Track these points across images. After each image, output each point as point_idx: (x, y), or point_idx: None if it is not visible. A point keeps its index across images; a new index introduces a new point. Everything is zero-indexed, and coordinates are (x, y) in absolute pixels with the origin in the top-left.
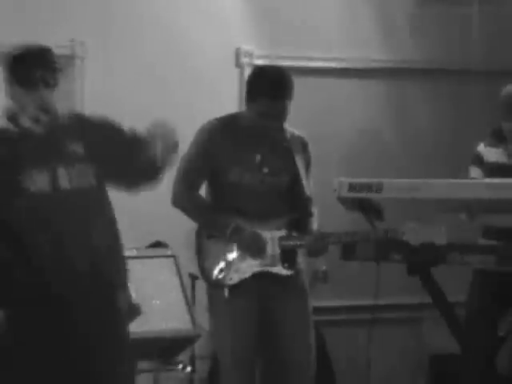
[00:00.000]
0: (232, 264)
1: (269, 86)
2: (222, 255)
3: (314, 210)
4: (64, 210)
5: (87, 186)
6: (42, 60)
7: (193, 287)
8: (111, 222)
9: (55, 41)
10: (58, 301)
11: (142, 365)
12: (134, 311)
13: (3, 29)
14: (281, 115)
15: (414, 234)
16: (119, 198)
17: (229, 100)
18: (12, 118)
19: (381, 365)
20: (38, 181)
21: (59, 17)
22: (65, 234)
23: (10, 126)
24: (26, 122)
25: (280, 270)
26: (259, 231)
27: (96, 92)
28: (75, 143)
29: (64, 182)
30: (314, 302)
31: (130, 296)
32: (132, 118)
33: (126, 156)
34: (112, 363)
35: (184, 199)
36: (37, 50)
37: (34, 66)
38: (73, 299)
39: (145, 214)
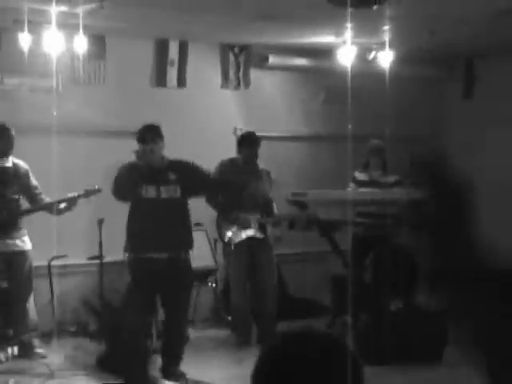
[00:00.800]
0: (235, 233)
1: (247, 142)
2: (229, 228)
3: (274, 204)
4: (163, 208)
5: (176, 197)
6: (151, 130)
7: (215, 245)
8: (187, 216)
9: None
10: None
11: None
12: None
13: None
14: (254, 157)
15: (323, 215)
16: None
17: (230, 152)
18: (138, 157)
19: (309, 282)
20: (149, 192)
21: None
22: (160, 220)
23: (138, 163)
24: (151, 162)
25: (258, 235)
26: (247, 216)
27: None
28: (171, 173)
29: (164, 193)
30: (275, 251)
31: None
32: None
33: (196, 182)
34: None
35: (210, 199)
36: (150, 125)
37: (146, 133)
38: (156, 259)
39: (192, 208)
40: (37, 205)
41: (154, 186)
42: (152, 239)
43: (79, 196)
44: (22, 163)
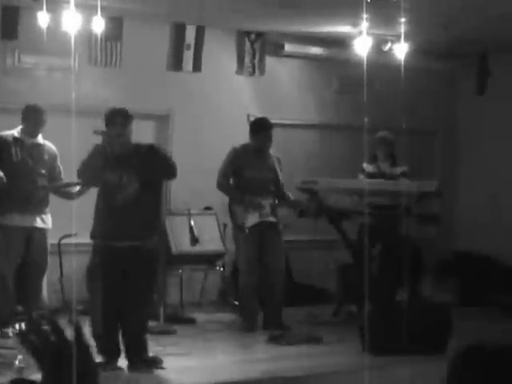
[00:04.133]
0: (248, 217)
1: (259, 127)
2: (243, 212)
3: (286, 192)
4: (125, 195)
5: (138, 182)
6: (120, 113)
7: (224, 229)
8: (152, 201)
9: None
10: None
11: (200, 267)
12: (196, 240)
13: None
14: (267, 142)
15: (333, 203)
16: (194, 187)
17: (243, 137)
18: (104, 141)
19: (317, 267)
20: (112, 177)
21: (164, 95)
22: (122, 207)
23: (105, 147)
24: (118, 147)
25: (270, 219)
26: (260, 200)
27: (182, 137)
28: (135, 158)
29: (125, 179)
30: (284, 237)
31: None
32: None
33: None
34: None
35: (222, 184)
36: (118, 109)
37: (115, 116)
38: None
39: (202, 193)
40: (57, 184)
41: (117, 172)
42: (114, 227)
43: None
44: (52, 145)
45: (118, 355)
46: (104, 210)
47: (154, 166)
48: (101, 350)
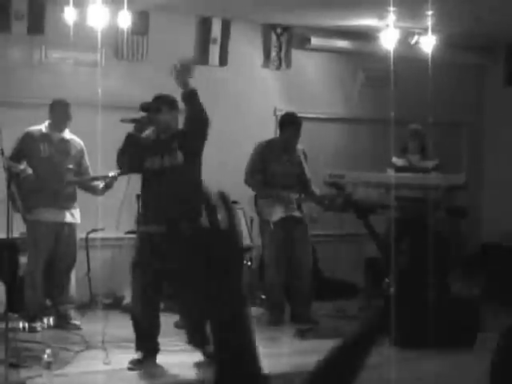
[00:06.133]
0: (273, 211)
1: (289, 123)
2: (269, 206)
3: (313, 186)
4: (167, 178)
5: (178, 163)
6: (157, 99)
7: (251, 223)
8: (194, 182)
9: None
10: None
11: None
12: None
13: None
14: (296, 138)
15: (360, 197)
16: (220, 181)
17: (269, 132)
18: (135, 128)
19: (344, 261)
20: (154, 163)
21: None
22: (165, 190)
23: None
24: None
25: (296, 213)
26: (288, 194)
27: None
28: (175, 141)
29: (167, 162)
30: (311, 231)
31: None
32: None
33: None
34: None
35: (250, 181)
36: (158, 95)
37: (151, 102)
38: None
39: (229, 187)
40: (83, 178)
41: (159, 157)
42: (158, 211)
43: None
44: (79, 140)
45: (157, 352)
46: (150, 195)
47: (192, 141)
48: (139, 347)
